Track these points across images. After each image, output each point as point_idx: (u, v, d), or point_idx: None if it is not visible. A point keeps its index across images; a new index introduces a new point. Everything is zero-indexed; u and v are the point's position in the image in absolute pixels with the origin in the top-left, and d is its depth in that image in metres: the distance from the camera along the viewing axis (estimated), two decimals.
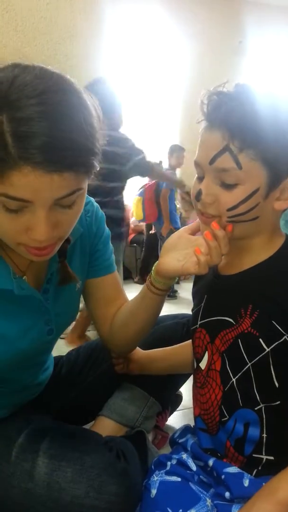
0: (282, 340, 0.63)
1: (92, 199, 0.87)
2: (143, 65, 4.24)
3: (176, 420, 1.28)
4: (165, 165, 3.50)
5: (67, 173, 0.53)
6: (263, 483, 0.61)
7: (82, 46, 3.19)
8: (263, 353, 0.64)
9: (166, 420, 1.22)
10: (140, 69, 4.22)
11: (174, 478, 0.70)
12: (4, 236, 0.61)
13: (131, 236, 4.46)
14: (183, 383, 1.14)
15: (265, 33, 4.52)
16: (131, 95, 3.77)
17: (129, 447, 0.76)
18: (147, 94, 4.44)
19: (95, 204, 0.87)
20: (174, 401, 1.25)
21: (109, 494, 0.67)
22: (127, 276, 4.09)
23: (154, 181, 3.52)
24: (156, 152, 3.45)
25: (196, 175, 0.67)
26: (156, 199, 3.55)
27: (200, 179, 0.66)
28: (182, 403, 1.30)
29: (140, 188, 3.67)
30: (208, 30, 4.27)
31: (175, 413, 1.29)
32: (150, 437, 1.09)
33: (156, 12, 3.97)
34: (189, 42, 4.26)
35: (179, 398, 1.28)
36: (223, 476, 0.65)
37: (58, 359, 1.09)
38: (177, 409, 1.30)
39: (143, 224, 4.23)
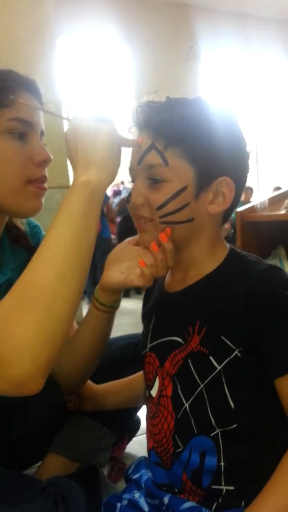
0: (233, 355, 0.59)
1: (39, 225, 0.91)
2: (91, 72, 4.21)
3: (135, 447, 1.21)
4: None
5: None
6: None
7: (24, 54, 3.06)
8: (215, 372, 0.60)
9: (123, 449, 1.14)
10: (88, 75, 4.19)
11: None
12: (14, 175, 0.71)
13: None
14: (139, 409, 1.08)
15: (217, 38, 4.65)
16: (79, 102, 3.73)
17: (72, 490, 0.68)
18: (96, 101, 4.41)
19: (42, 232, 0.90)
20: (132, 428, 1.18)
21: None
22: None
23: None
24: None
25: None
26: None
27: (133, 183, 0.66)
28: (141, 427, 1.23)
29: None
30: (158, 36, 4.32)
31: (134, 439, 1.22)
32: (105, 470, 1.01)
33: (104, 16, 3.95)
34: (139, 48, 4.28)
35: (137, 424, 1.21)
36: None
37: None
38: (136, 434, 1.23)
39: None
